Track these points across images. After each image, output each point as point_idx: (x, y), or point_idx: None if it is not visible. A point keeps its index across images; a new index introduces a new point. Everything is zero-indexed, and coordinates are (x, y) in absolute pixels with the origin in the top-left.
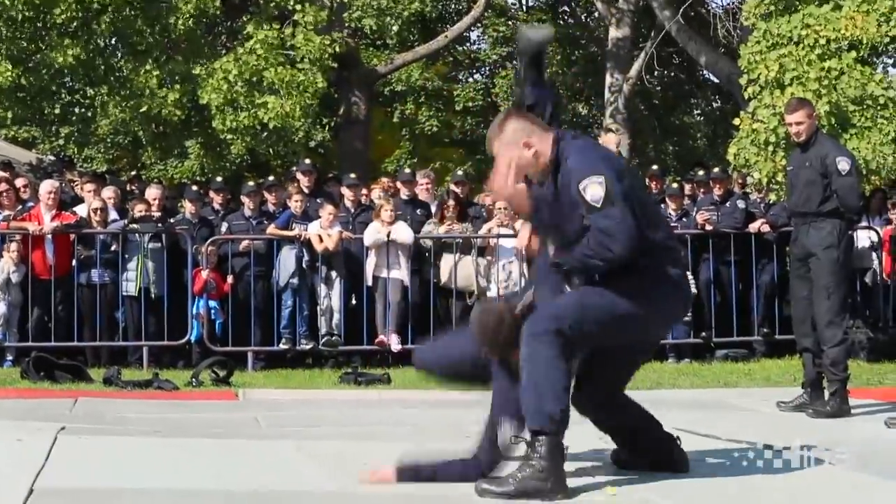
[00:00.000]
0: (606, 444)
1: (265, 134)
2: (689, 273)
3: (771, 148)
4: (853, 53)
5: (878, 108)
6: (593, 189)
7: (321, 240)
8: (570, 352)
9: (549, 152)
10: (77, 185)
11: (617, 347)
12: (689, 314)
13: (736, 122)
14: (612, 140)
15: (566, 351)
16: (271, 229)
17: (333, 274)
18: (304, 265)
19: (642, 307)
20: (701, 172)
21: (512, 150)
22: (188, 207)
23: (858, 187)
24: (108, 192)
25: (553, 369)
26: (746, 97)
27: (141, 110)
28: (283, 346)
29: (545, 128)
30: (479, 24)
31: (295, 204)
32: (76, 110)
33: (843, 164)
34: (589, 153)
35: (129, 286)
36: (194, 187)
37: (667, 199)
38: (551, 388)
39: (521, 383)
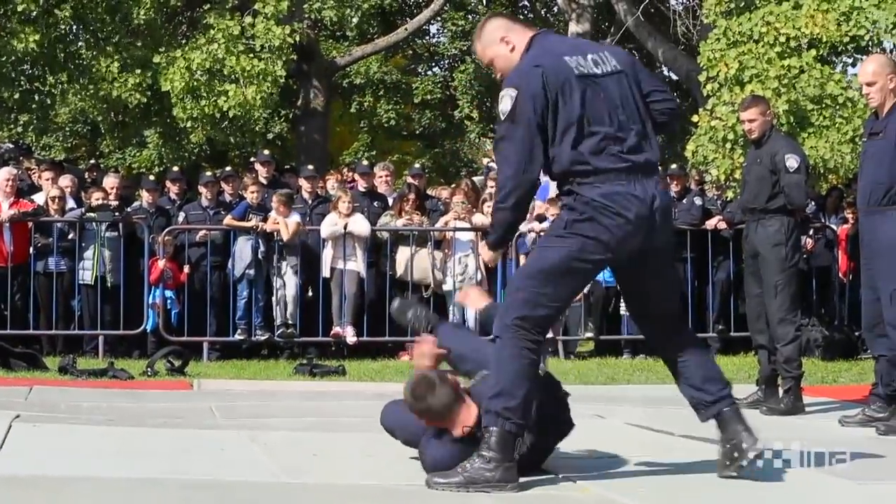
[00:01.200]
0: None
1: (224, 123)
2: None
3: (729, 145)
4: (813, 52)
5: (837, 107)
6: (504, 102)
7: (276, 222)
8: (539, 335)
9: (520, 52)
10: (35, 173)
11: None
12: None
13: (694, 119)
14: None
15: (533, 338)
16: (228, 220)
17: (289, 265)
18: (259, 256)
19: (576, 242)
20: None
21: (491, 49)
22: (145, 197)
23: (805, 185)
24: (66, 181)
25: (516, 364)
26: (705, 94)
27: (100, 93)
28: (238, 337)
29: (527, 26)
30: (438, 18)
31: (251, 195)
32: (36, 97)
33: (792, 162)
34: (535, 54)
35: (86, 275)
36: (151, 177)
37: None
38: (510, 383)
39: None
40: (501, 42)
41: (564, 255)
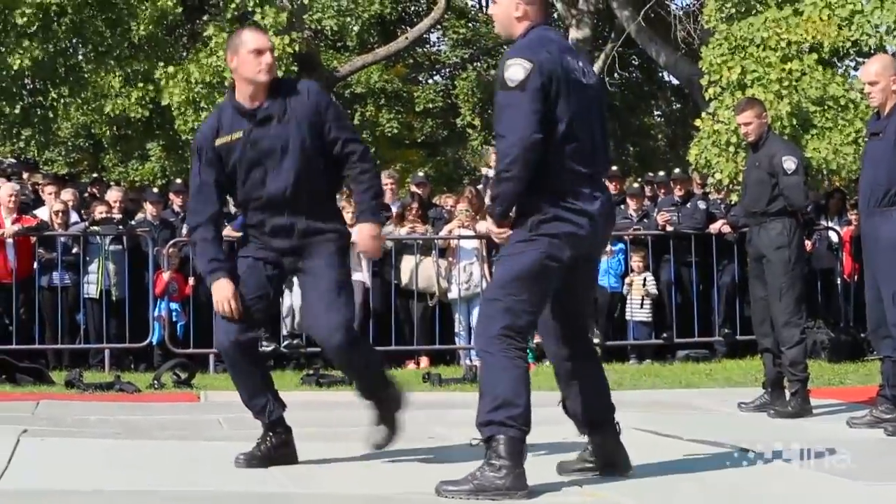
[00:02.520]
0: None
1: None
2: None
3: (732, 149)
4: (814, 55)
5: (839, 109)
6: (514, 70)
7: None
8: (524, 342)
9: (523, 27)
10: (41, 188)
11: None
12: (650, 314)
13: (697, 123)
14: None
15: (520, 345)
16: (228, 231)
17: (296, 278)
18: None
19: (544, 243)
20: (661, 173)
21: (504, 1)
22: (149, 209)
23: (805, 186)
24: (68, 195)
25: (512, 374)
26: (707, 98)
27: (105, 111)
28: None
29: (543, 12)
30: (439, 26)
31: None
32: (37, 112)
33: (790, 164)
34: (540, 40)
35: (91, 288)
36: (154, 189)
37: (627, 199)
38: (511, 392)
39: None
40: (515, 4)
41: (536, 257)
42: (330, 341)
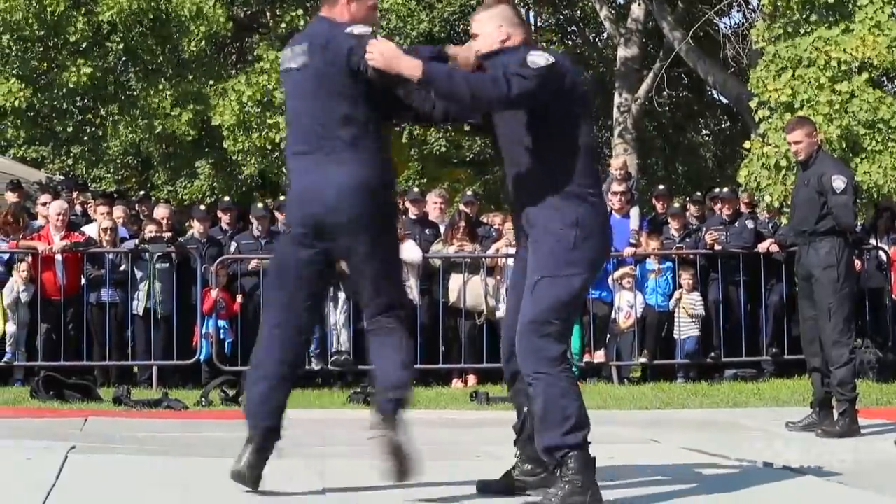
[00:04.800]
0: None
1: (276, 154)
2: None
3: (783, 172)
4: (864, 76)
5: (890, 131)
6: (536, 57)
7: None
8: (569, 361)
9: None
10: (91, 206)
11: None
12: (699, 332)
13: (746, 145)
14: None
15: (570, 368)
16: None
17: (342, 293)
18: None
19: (590, 266)
20: (717, 189)
21: (488, 26)
22: (197, 227)
23: (854, 205)
24: (117, 212)
25: (575, 393)
26: (757, 120)
27: (156, 131)
28: None
29: (526, 35)
30: None
31: None
32: (88, 129)
33: (839, 183)
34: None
35: (138, 305)
36: (202, 207)
37: (668, 219)
38: (578, 411)
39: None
40: (501, 30)
41: (582, 283)
42: None
